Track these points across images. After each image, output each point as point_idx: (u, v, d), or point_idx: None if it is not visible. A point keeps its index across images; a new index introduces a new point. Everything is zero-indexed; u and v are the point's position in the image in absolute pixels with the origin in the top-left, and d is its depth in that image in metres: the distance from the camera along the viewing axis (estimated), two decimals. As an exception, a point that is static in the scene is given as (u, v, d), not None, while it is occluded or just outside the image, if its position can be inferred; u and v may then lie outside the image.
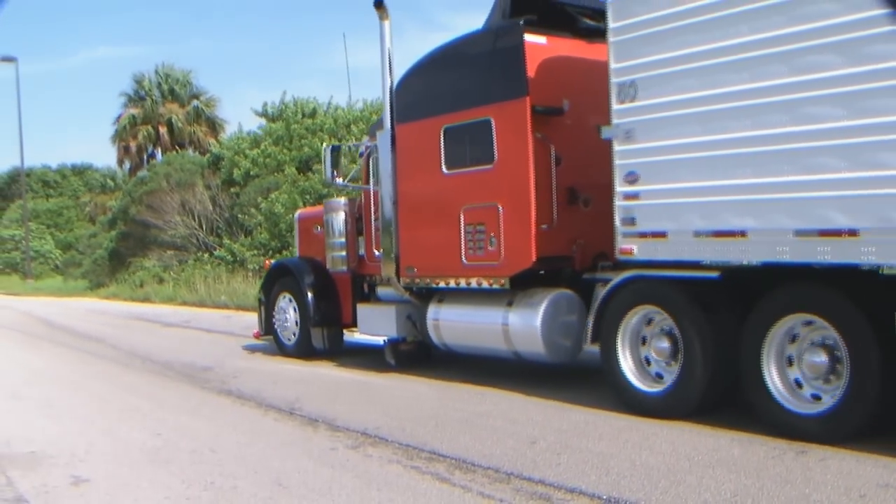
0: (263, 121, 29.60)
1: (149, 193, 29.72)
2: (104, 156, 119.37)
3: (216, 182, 28.22)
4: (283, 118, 28.03)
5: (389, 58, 9.32)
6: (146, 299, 25.54)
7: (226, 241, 26.44)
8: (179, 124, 39.73)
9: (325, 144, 12.47)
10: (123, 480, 5.70)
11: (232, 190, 27.48)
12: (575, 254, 7.94)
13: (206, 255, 26.71)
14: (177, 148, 38.56)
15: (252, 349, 12.11)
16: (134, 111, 40.53)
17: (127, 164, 41.78)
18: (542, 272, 8.12)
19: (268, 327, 11.35)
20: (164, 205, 28.18)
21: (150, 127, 40.03)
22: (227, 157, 28.22)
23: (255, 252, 23.52)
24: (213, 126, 40.81)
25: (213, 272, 24.41)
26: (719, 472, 5.26)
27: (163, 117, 40.06)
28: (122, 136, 40.35)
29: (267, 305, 11.35)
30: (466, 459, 5.81)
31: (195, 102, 41.01)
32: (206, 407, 8.25)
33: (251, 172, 26.35)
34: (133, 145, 40.14)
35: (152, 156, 40.36)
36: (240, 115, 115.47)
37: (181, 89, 41.09)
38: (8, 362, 12.29)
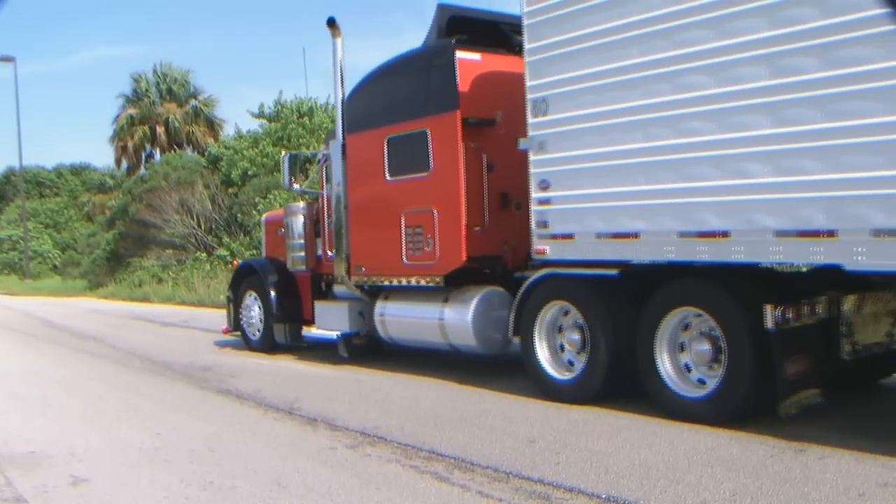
0: (261, 121, 29.56)
1: (148, 192, 29.71)
2: (102, 156, 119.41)
3: (215, 181, 28.20)
4: (281, 118, 28.00)
5: (341, 72, 10.02)
6: (145, 299, 25.54)
7: (225, 239, 26.44)
8: (177, 124, 39.69)
9: (283, 153, 13.40)
10: (122, 480, 5.70)
11: (230, 190, 27.46)
12: (506, 253, 8.59)
13: (205, 255, 26.70)
14: (175, 148, 38.53)
15: (222, 344, 12.63)
16: (132, 111, 40.47)
17: (125, 164, 41.71)
18: (486, 270, 8.76)
19: (236, 323, 12.11)
20: (164, 204, 28.17)
21: (147, 127, 39.99)
22: (227, 157, 28.19)
23: (254, 252, 23.53)
24: (212, 126, 40.75)
25: (212, 272, 24.42)
26: (718, 470, 5.27)
27: (161, 117, 40.00)
28: (120, 135, 40.30)
29: (235, 303, 12.10)
30: (465, 459, 5.81)
31: (193, 102, 40.96)
32: (204, 406, 8.25)
33: (249, 172, 26.32)
34: (131, 145, 40.07)
35: (150, 156, 40.32)
36: (238, 115, 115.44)
37: (179, 89, 41.02)
38: (6, 362, 12.28)
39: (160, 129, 39.86)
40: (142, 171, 37.57)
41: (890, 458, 5.29)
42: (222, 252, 25.54)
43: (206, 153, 32.86)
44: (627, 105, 6.79)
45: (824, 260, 5.75)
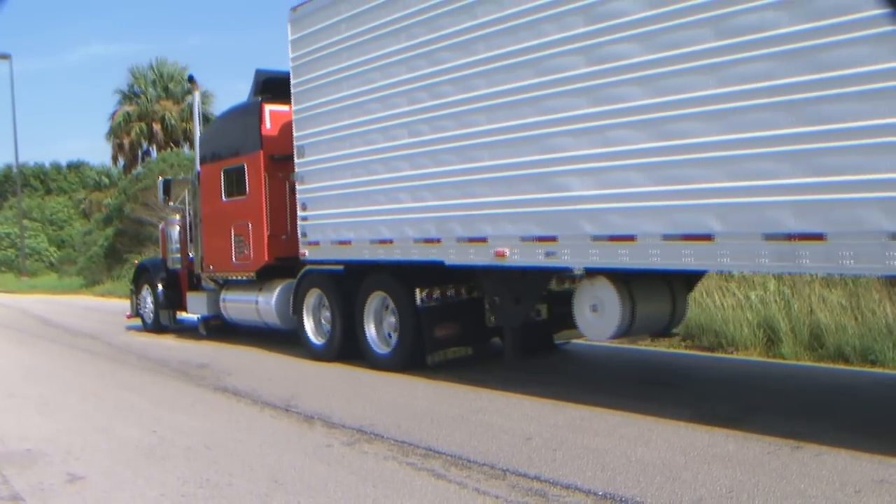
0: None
1: (144, 191, 29.64)
2: (99, 153, 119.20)
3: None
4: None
5: (199, 118, 13.61)
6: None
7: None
8: (174, 121, 39.62)
9: (160, 178, 16.54)
10: (119, 478, 5.69)
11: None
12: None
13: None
14: (171, 145, 38.43)
15: (130, 329, 15.58)
16: (129, 108, 40.37)
17: (121, 162, 41.63)
18: (306, 267, 10.84)
19: (135, 310, 15.40)
20: (160, 202, 28.06)
21: (144, 124, 39.90)
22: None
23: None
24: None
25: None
26: (715, 467, 5.27)
27: (157, 114, 39.92)
28: (116, 133, 40.21)
29: (135, 294, 15.38)
30: (462, 456, 5.81)
31: (189, 99, 40.88)
32: (201, 404, 8.24)
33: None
34: (127, 142, 39.99)
35: (147, 153, 40.23)
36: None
37: (176, 86, 40.94)
38: (3, 360, 12.27)
39: (157, 127, 39.78)
40: (138, 168, 37.46)
41: (885, 455, 5.30)
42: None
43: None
44: (350, 152, 9.49)
45: (431, 257, 8.55)
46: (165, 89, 40.86)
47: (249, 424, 7.21)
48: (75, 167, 56.63)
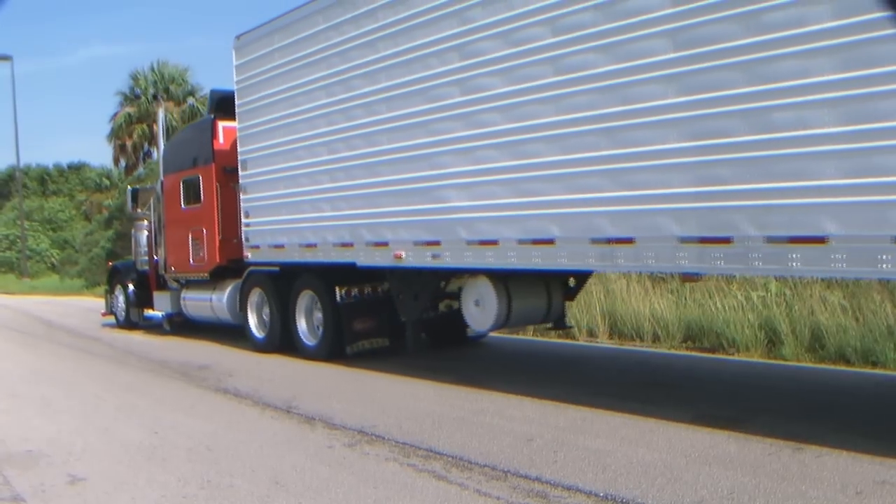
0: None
1: (144, 192, 29.58)
2: (100, 154, 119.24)
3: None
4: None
5: (163, 133, 15.43)
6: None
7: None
8: (175, 122, 39.62)
9: (129, 187, 18.31)
10: (120, 479, 5.69)
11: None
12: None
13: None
14: (173, 146, 38.32)
15: (105, 325, 16.68)
16: (130, 109, 40.35)
17: (122, 163, 41.65)
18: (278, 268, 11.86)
19: (109, 308, 16.72)
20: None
21: (146, 125, 39.91)
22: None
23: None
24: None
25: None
26: (716, 469, 5.27)
27: (158, 116, 39.91)
28: (118, 134, 40.22)
29: (110, 293, 16.71)
30: (463, 457, 5.81)
31: (191, 101, 40.86)
32: (202, 405, 8.24)
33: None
34: (129, 144, 40.00)
35: (148, 154, 40.22)
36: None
37: (177, 87, 40.95)
38: (4, 361, 12.27)
39: (157, 128, 39.77)
40: (140, 169, 37.47)
41: (887, 457, 5.30)
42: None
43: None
44: (283, 166, 10.67)
45: (346, 259, 9.71)
46: (167, 90, 40.86)
47: (250, 425, 7.21)
48: (76, 169, 56.61)
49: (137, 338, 14.60)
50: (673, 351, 10.35)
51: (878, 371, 8.35)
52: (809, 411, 6.76)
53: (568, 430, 6.48)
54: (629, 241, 6.57)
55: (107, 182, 48.99)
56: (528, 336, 12.29)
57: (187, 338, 13.87)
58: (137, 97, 40.93)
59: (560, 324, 9.62)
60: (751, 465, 5.31)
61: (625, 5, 6.41)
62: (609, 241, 6.72)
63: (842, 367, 8.65)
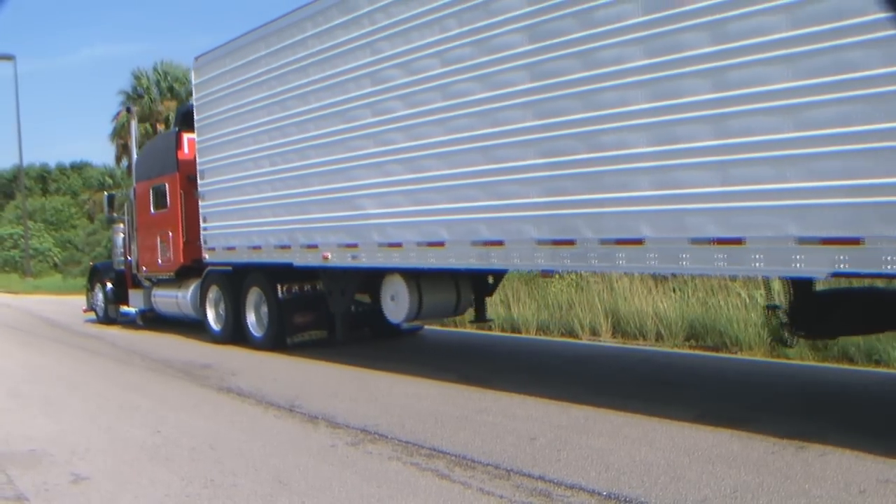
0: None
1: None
2: (102, 153, 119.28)
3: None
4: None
5: (135, 143, 17.45)
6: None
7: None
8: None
9: (105, 193, 20.02)
10: (123, 478, 5.70)
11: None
12: None
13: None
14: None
15: (87, 321, 17.85)
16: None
17: (125, 162, 41.64)
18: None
19: (90, 305, 17.93)
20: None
21: (148, 124, 39.89)
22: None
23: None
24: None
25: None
26: (719, 467, 5.27)
27: (161, 115, 39.89)
28: (120, 133, 40.14)
29: (91, 291, 17.91)
30: (466, 456, 5.81)
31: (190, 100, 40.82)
32: (205, 404, 8.25)
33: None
34: (131, 143, 39.96)
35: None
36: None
37: (180, 87, 40.92)
38: (7, 360, 12.29)
39: (161, 127, 39.77)
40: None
41: (890, 456, 5.29)
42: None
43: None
44: (233, 176, 11.87)
45: (285, 260, 10.91)
46: (170, 89, 40.87)
47: (254, 425, 7.21)
48: (78, 168, 56.69)
49: (111, 331, 16.03)
50: (676, 350, 10.34)
51: (881, 370, 8.34)
52: (813, 410, 6.75)
53: (571, 428, 6.48)
54: (500, 243, 7.77)
55: (109, 181, 48.99)
56: (531, 335, 12.30)
57: (158, 332, 15.06)
58: (140, 97, 40.93)
59: (481, 317, 10.93)
60: (754, 464, 5.30)
61: (490, 44, 7.62)
62: (485, 243, 7.92)
63: (845, 366, 8.64)
